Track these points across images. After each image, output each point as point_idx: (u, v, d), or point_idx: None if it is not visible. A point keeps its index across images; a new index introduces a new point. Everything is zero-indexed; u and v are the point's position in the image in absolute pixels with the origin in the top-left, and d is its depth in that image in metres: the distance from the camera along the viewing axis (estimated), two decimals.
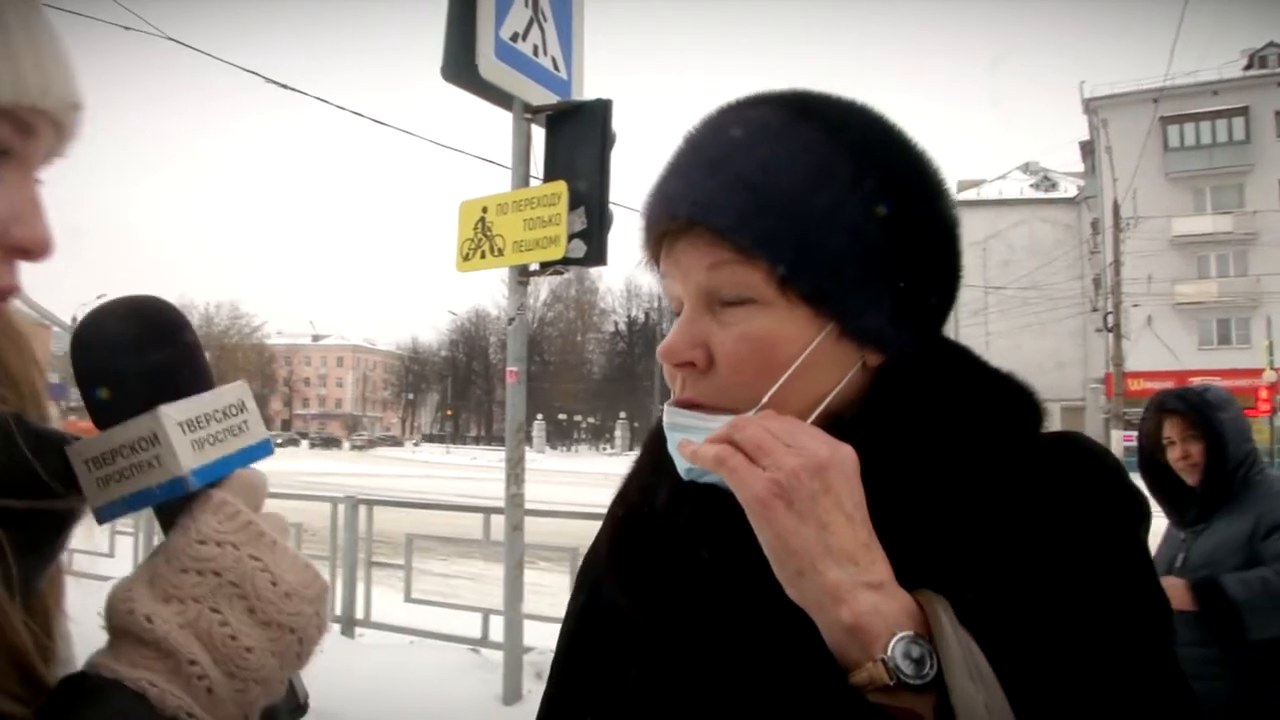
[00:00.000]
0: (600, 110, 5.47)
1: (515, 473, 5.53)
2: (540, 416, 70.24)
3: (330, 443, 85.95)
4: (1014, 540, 0.79)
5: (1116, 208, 35.57)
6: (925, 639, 0.70)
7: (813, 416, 0.84)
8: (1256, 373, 34.95)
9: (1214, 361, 41.19)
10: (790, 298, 0.84)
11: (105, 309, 0.70)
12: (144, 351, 0.69)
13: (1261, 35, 58.47)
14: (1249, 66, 46.12)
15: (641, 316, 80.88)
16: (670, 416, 0.90)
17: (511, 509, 5.52)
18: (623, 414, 73.46)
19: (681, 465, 0.88)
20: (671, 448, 0.89)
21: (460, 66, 5.40)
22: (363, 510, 7.83)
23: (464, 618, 7.05)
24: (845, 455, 0.76)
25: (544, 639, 6.53)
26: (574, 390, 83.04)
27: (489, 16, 5.35)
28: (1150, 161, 39.90)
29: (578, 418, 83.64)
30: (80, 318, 0.69)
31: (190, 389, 0.70)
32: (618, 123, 5.47)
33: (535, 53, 5.73)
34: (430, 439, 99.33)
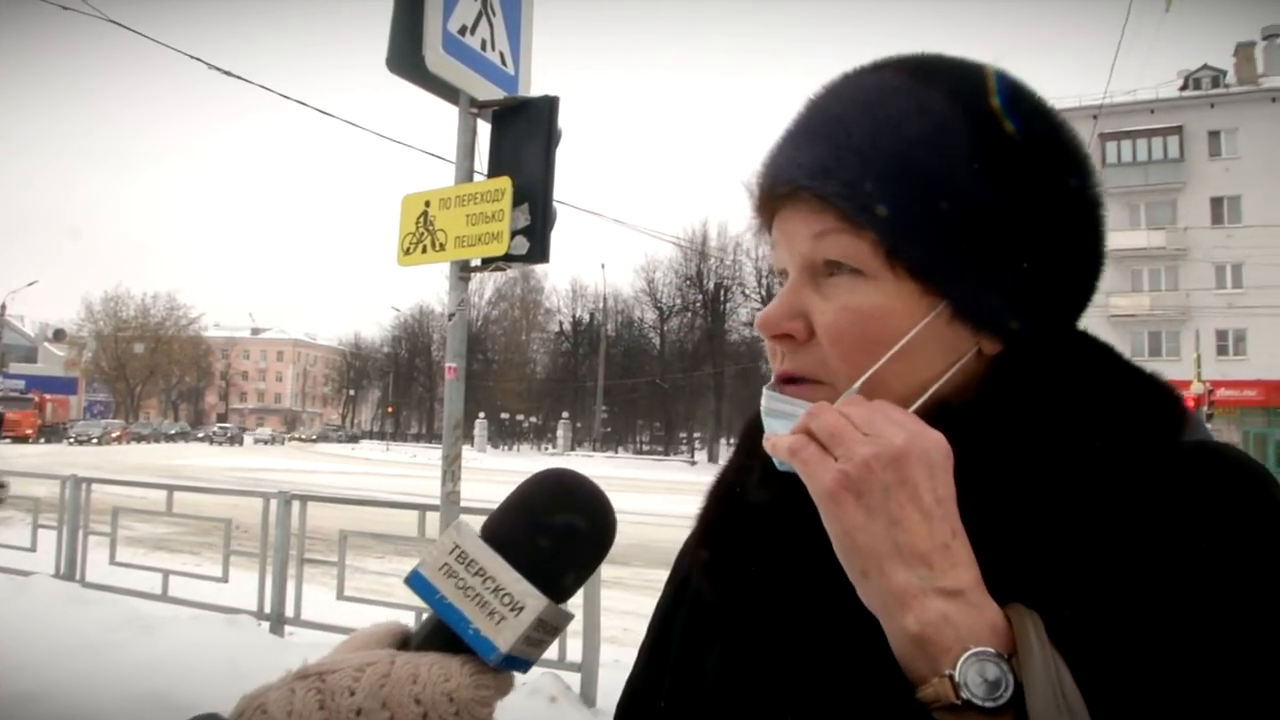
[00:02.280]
0: (547, 107, 5.43)
1: (452, 470, 5.47)
2: (482, 415, 69.89)
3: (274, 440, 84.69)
4: (1136, 557, 0.69)
5: None
6: (1006, 658, 0.62)
7: (916, 405, 0.77)
8: (1185, 384, 35.81)
9: None
10: (898, 271, 0.77)
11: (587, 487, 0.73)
12: (595, 542, 0.72)
13: (1197, 58, 60.25)
14: (1184, 87, 47.47)
15: (586, 316, 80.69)
16: (767, 401, 0.84)
17: (447, 506, 5.46)
18: (565, 414, 73.28)
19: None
20: (767, 434, 0.81)
21: (406, 58, 5.34)
22: (295, 506, 7.70)
23: (398, 616, 6.92)
24: (930, 444, 0.68)
25: None
26: (517, 389, 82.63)
27: (437, 9, 5.30)
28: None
29: (520, 417, 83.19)
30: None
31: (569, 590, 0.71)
32: (564, 120, 5.44)
33: (483, 47, 5.68)
34: (371, 436, 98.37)
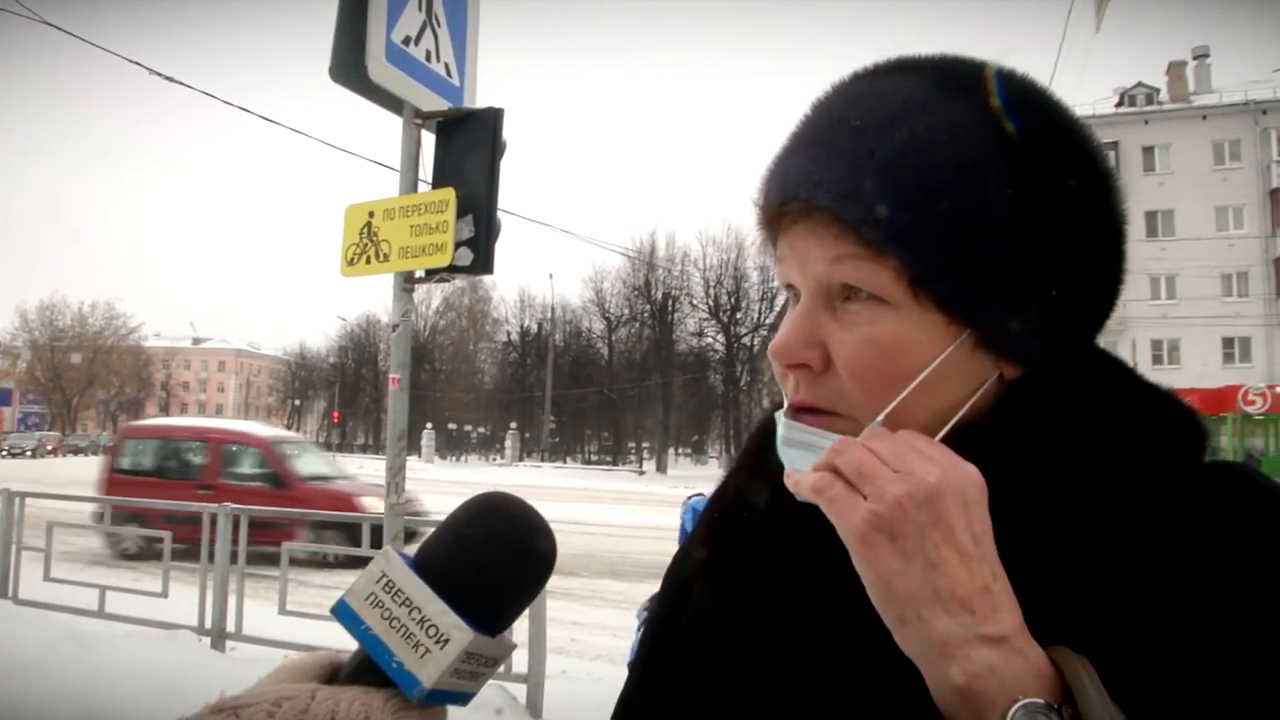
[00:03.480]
0: (491, 119, 5.44)
1: (396, 482, 5.43)
2: (430, 426, 69.25)
3: None
4: (1174, 590, 0.67)
5: None
6: (1056, 709, 0.58)
7: (941, 434, 0.72)
8: None
9: None
10: (922, 300, 0.73)
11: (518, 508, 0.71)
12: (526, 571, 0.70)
13: (1131, 76, 61.81)
14: (1120, 104, 48.71)
15: (534, 326, 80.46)
16: (786, 431, 0.79)
17: (391, 519, 5.42)
18: (513, 425, 72.86)
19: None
20: (787, 467, 0.77)
21: (349, 68, 5.31)
22: (237, 520, 7.60)
23: (340, 631, 6.87)
24: (965, 479, 0.64)
25: None
26: (465, 400, 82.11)
27: (380, 19, 5.28)
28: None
29: (468, 428, 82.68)
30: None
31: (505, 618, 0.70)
32: (512, 129, 5.46)
33: (428, 58, 5.67)
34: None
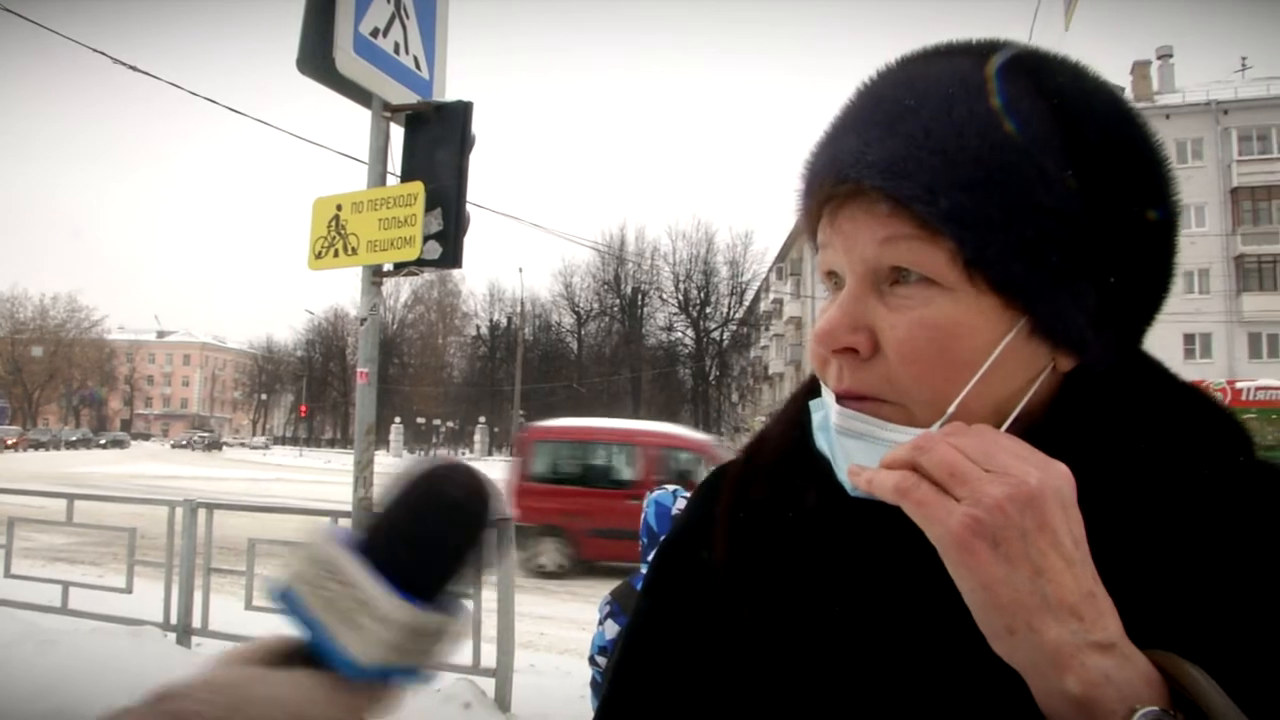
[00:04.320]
0: (461, 112, 5.43)
1: (364, 476, 5.41)
2: (398, 420, 68.96)
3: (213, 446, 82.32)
4: (1256, 588, 0.66)
5: None
6: (1172, 716, 0.57)
7: (1005, 427, 0.71)
8: None
9: None
10: (978, 283, 0.70)
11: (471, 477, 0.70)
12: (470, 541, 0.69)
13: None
14: None
15: (504, 320, 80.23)
16: (844, 420, 0.75)
17: (359, 514, 5.40)
18: (483, 418, 72.65)
19: (841, 475, 0.75)
20: (838, 460, 0.75)
21: (317, 60, 5.28)
22: (203, 514, 7.53)
23: None
24: (1060, 479, 0.63)
25: None
26: (434, 393, 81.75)
27: (349, 10, 5.26)
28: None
29: (437, 421, 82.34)
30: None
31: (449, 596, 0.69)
32: (484, 124, 5.44)
33: (396, 50, 5.64)
34: (284, 441, 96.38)
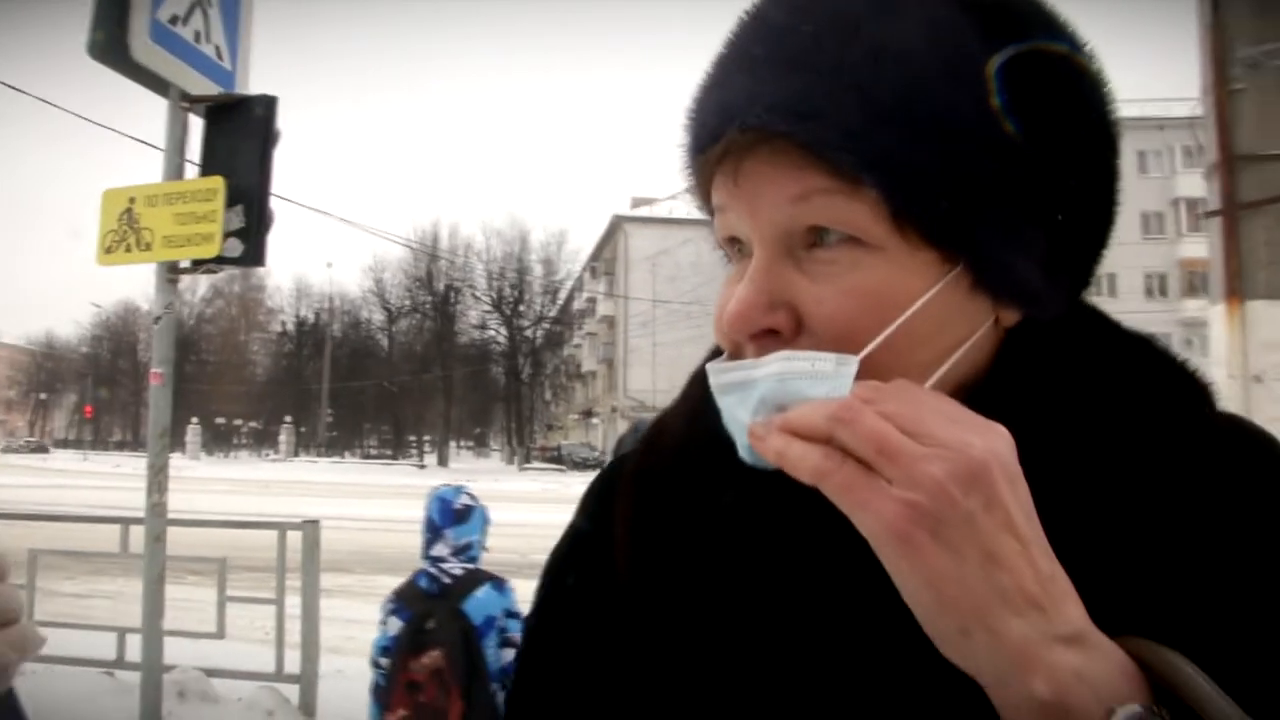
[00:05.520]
0: (265, 105, 5.27)
1: (158, 480, 5.20)
2: (196, 420, 65.62)
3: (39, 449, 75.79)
4: (1208, 558, 0.60)
5: None
6: (1155, 713, 0.50)
7: (932, 380, 0.62)
8: None
9: None
10: (909, 237, 0.61)
11: None
12: None
13: None
14: None
15: (311, 317, 77.64)
16: (716, 377, 0.64)
17: (152, 519, 5.19)
18: (288, 418, 70.05)
19: (742, 445, 0.62)
20: (734, 431, 0.63)
21: (110, 45, 5.02)
22: None
23: (98, 638, 6.52)
24: (1002, 443, 0.54)
25: (188, 657, 6.19)
26: (236, 392, 78.32)
27: None
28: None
29: (239, 422, 78.97)
30: None
31: None
32: (296, 116, 5.31)
33: (197, 39, 5.43)
34: (66, 445, 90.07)
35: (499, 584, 3.56)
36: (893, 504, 0.51)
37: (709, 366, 0.65)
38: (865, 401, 0.55)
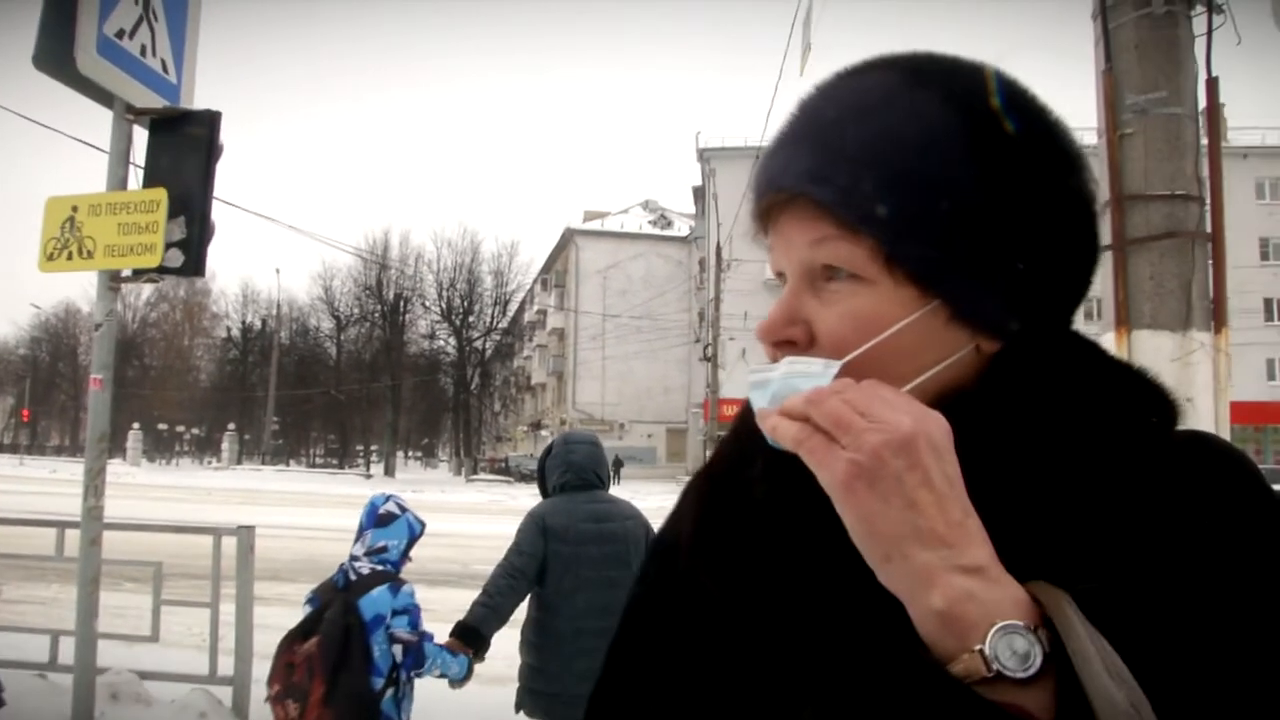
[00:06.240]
0: (208, 120, 5.39)
1: (95, 485, 5.28)
2: (137, 426, 64.37)
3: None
4: (1141, 539, 0.73)
5: (719, 250, 39.03)
6: (1032, 631, 0.63)
7: (909, 387, 0.78)
8: None
9: None
10: (897, 276, 0.79)
11: None
12: None
13: None
14: None
15: (258, 323, 76.70)
16: (749, 377, 0.83)
17: (88, 522, 5.27)
18: (232, 425, 68.94)
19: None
20: (760, 411, 0.80)
21: (56, 57, 5.10)
22: None
23: (30, 641, 6.53)
24: (933, 426, 0.69)
25: (120, 659, 6.25)
26: (178, 398, 77.04)
27: (92, 9, 5.11)
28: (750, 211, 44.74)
29: (181, 428, 77.64)
30: None
31: None
32: (245, 122, 5.44)
33: (143, 52, 5.53)
34: (0, 449, 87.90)
35: (395, 586, 3.80)
36: (842, 463, 0.67)
37: (750, 366, 0.84)
38: (833, 391, 0.72)
